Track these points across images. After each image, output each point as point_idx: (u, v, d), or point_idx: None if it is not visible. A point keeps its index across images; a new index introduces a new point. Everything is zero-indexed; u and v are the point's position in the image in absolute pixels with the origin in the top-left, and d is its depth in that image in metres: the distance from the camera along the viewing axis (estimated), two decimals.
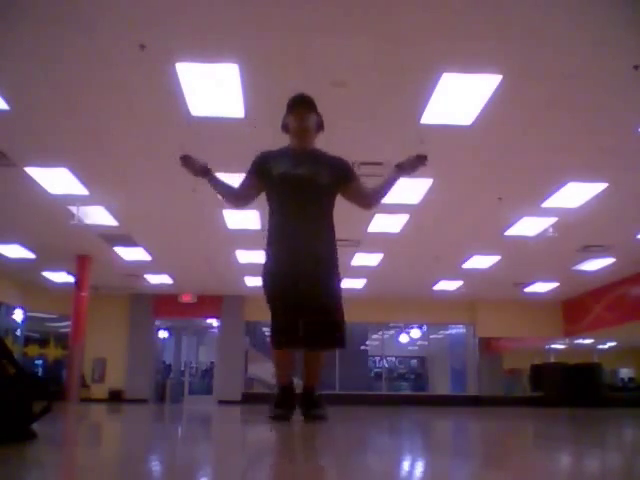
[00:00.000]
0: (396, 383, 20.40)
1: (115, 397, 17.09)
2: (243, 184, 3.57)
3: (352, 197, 3.61)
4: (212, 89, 6.36)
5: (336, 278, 3.42)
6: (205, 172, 3.50)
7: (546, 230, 10.75)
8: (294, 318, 3.24)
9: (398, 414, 6.71)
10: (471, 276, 14.74)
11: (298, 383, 3.63)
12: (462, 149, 7.70)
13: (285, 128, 3.53)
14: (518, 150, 7.80)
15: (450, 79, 6.09)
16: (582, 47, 5.61)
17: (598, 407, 13.45)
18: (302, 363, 3.58)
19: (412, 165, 3.52)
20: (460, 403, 17.26)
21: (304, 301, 3.23)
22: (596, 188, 8.91)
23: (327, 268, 3.38)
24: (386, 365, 20.24)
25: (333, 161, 3.55)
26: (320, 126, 3.56)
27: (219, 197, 3.74)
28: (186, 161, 3.45)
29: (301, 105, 3.47)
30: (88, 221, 10.52)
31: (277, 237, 3.42)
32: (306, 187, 3.39)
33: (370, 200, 3.66)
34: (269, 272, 3.39)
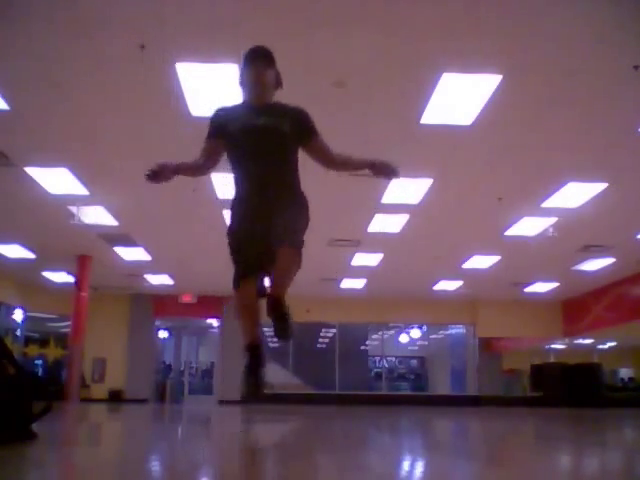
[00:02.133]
0: (396, 383, 20.40)
1: (115, 397, 17.08)
2: (205, 150, 3.38)
3: (314, 153, 3.40)
4: (212, 89, 6.36)
5: (298, 216, 3.21)
6: (175, 172, 3.20)
7: (546, 230, 10.74)
8: (255, 251, 3.07)
9: (398, 414, 6.71)
10: (471, 276, 14.73)
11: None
12: (462, 149, 7.69)
13: (243, 84, 3.37)
14: (518, 150, 7.80)
15: (450, 79, 6.08)
16: (582, 47, 5.61)
17: (598, 407, 13.46)
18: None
19: (381, 171, 3.30)
20: (460, 403, 17.28)
21: (264, 236, 3.04)
22: (596, 188, 8.90)
23: (290, 208, 3.18)
24: (386, 365, 20.24)
25: (293, 112, 3.34)
26: (279, 82, 3.41)
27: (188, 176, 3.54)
28: (154, 178, 3.11)
29: (258, 59, 3.32)
30: (88, 221, 10.52)
31: (240, 186, 3.28)
32: (267, 135, 3.22)
33: (331, 164, 3.44)
34: (233, 221, 3.24)
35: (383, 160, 3.32)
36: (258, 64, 3.29)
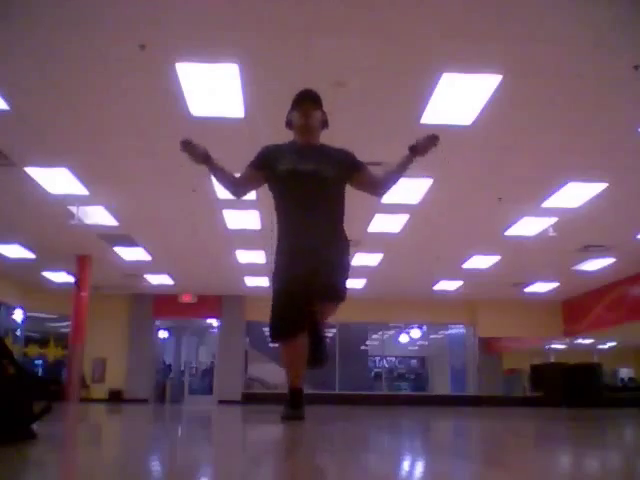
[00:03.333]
0: (396, 383, 20.39)
1: (115, 397, 17.08)
2: (244, 175, 3.51)
3: (361, 186, 3.59)
4: (212, 89, 6.36)
5: (344, 266, 3.46)
6: (206, 158, 3.35)
7: (546, 230, 10.74)
8: (297, 304, 3.24)
9: (398, 414, 6.71)
10: (471, 276, 14.74)
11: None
12: (462, 149, 7.70)
13: (289, 124, 3.50)
14: (518, 150, 7.80)
15: (450, 79, 6.09)
16: (582, 47, 5.61)
17: (598, 407, 13.46)
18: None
19: (425, 146, 3.47)
20: (460, 403, 17.27)
21: (310, 287, 3.23)
22: (596, 188, 8.90)
23: (336, 258, 3.39)
24: (386, 365, 20.24)
25: (338, 154, 3.53)
26: (324, 123, 3.54)
27: (219, 184, 3.65)
28: (187, 146, 3.29)
29: (306, 101, 3.44)
30: (88, 221, 10.52)
31: (286, 234, 3.42)
32: (312, 182, 3.36)
33: (380, 188, 3.64)
34: (278, 268, 3.39)
35: (417, 140, 3.47)
36: (306, 106, 3.44)
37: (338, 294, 3.33)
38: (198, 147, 3.33)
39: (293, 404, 3.46)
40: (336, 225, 3.47)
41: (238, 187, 3.54)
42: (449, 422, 5.13)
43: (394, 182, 3.67)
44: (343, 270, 3.41)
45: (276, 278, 3.38)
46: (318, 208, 3.37)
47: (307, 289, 3.22)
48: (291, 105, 3.48)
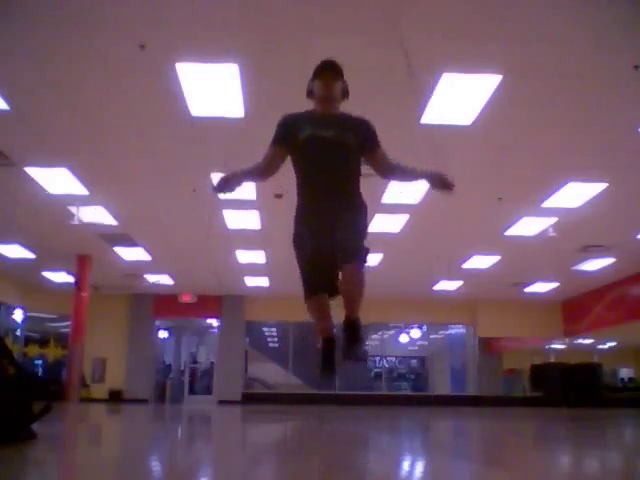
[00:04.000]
0: (396, 383, 20.39)
1: (115, 397, 17.08)
2: (268, 155, 3.52)
3: (372, 162, 3.60)
4: (212, 89, 6.35)
5: (360, 227, 3.48)
6: (239, 183, 3.42)
7: (546, 230, 10.74)
8: (325, 265, 3.30)
9: (398, 414, 6.71)
10: (471, 276, 14.73)
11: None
12: (462, 149, 7.69)
13: (310, 94, 3.51)
14: (518, 150, 7.80)
15: (450, 79, 6.08)
16: (582, 47, 5.61)
17: (598, 407, 13.46)
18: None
19: (439, 184, 3.52)
20: (460, 403, 17.28)
21: (330, 251, 3.28)
22: (596, 188, 8.90)
23: (353, 220, 3.43)
24: (386, 365, 20.23)
25: (359, 124, 3.55)
26: (345, 93, 3.56)
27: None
28: (222, 189, 3.36)
29: (329, 71, 3.45)
30: (88, 221, 10.50)
31: (306, 197, 3.47)
32: (333, 148, 3.41)
33: (389, 172, 3.65)
34: (300, 234, 3.44)
35: (440, 172, 3.51)
36: (328, 76, 3.45)
37: (355, 252, 3.32)
38: (229, 183, 3.37)
39: (327, 356, 3.45)
40: (354, 190, 3.52)
41: (264, 173, 3.58)
42: (449, 422, 5.14)
43: (401, 177, 3.77)
44: (359, 231, 3.44)
45: (299, 243, 3.44)
46: (337, 172, 3.43)
47: (331, 251, 3.28)
48: (312, 74, 3.49)
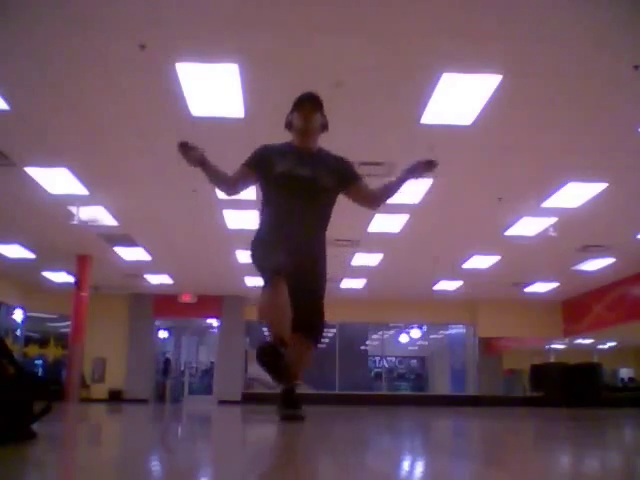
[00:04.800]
0: (396, 383, 20.40)
1: (115, 397, 17.08)
2: (239, 173, 3.50)
3: (355, 198, 3.62)
4: (212, 89, 6.36)
5: (323, 282, 3.50)
6: (202, 162, 3.37)
7: (546, 230, 10.74)
8: (286, 257, 3.17)
9: (398, 414, 6.71)
10: (471, 276, 14.73)
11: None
12: (462, 149, 7.70)
13: (289, 125, 3.50)
14: (518, 150, 7.80)
15: (450, 79, 6.08)
16: (582, 47, 5.61)
17: (598, 407, 13.46)
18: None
19: (420, 170, 3.49)
20: (460, 403, 17.27)
21: (298, 269, 3.19)
22: (596, 188, 8.90)
23: (320, 269, 3.45)
24: (386, 365, 20.24)
25: (336, 163, 3.54)
26: (324, 126, 3.53)
27: (212, 185, 3.65)
28: (184, 149, 3.32)
29: (307, 104, 3.43)
30: (87, 220, 10.51)
31: (272, 230, 3.41)
32: (306, 188, 3.37)
33: (374, 202, 3.67)
34: (264, 238, 3.39)
35: (414, 162, 3.49)
36: (307, 108, 3.43)
37: (318, 333, 3.40)
38: (195, 150, 3.33)
39: (270, 361, 3.06)
40: (322, 234, 3.52)
41: (232, 186, 3.54)
42: (449, 422, 5.14)
43: (387, 198, 3.69)
44: (322, 304, 3.44)
45: (260, 239, 3.41)
46: (309, 214, 3.40)
47: (297, 262, 3.21)
48: (292, 107, 3.48)
